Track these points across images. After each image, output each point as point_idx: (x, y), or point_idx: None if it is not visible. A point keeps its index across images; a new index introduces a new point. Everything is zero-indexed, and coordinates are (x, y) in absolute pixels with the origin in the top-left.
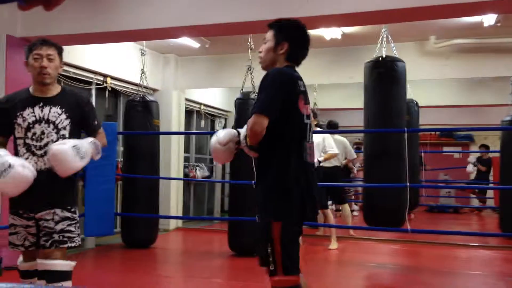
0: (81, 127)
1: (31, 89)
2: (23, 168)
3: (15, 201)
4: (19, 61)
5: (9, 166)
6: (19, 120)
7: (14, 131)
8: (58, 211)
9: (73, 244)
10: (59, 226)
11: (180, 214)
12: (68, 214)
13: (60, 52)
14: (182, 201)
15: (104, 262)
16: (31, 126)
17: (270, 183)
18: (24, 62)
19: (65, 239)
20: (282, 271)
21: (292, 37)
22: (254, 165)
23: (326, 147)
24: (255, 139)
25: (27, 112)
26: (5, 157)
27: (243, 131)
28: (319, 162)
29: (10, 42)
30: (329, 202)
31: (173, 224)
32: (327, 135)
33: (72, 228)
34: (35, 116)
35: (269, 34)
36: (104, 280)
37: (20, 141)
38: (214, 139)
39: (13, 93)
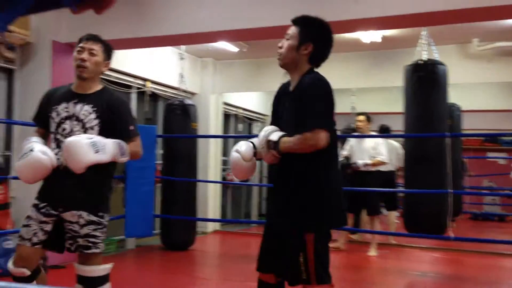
0: (112, 130)
1: (73, 84)
2: (42, 154)
3: (39, 194)
4: (65, 66)
5: (31, 150)
6: (53, 114)
7: (48, 124)
8: (84, 214)
9: (97, 250)
10: (84, 230)
11: (217, 217)
12: (94, 218)
13: (106, 49)
14: (220, 204)
15: (144, 263)
16: (62, 121)
17: (309, 192)
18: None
19: (90, 244)
20: (316, 280)
21: (318, 38)
22: (275, 172)
23: (378, 153)
24: (310, 151)
25: (61, 106)
26: (32, 143)
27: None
28: (364, 165)
29: (55, 48)
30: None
31: (211, 226)
32: (381, 141)
33: (97, 233)
34: (68, 111)
35: (293, 31)
36: (143, 280)
37: (52, 136)
38: (236, 156)
39: (58, 86)
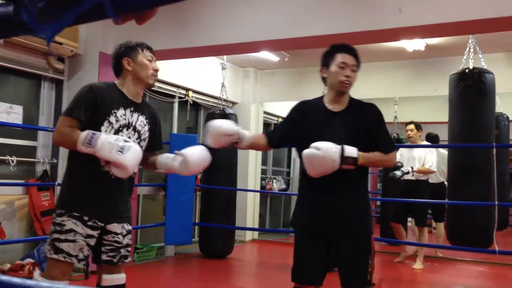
0: (149, 142)
1: (120, 87)
2: (135, 144)
3: (84, 206)
4: (111, 76)
5: (125, 141)
6: (112, 119)
7: (100, 126)
8: (126, 224)
9: (129, 260)
10: (125, 241)
11: (256, 226)
12: (130, 227)
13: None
14: (259, 213)
15: (182, 271)
16: (120, 129)
17: (363, 199)
18: (125, 60)
19: (127, 253)
20: (373, 281)
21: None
22: (332, 181)
23: (425, 161)
24: (384, 167)
25: (120, 112)
26: (117, 136)
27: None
28: (411, 173)
29: (102, 59)
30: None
31: (249, 235)
32: (431, 150)
33: (130, 242)
34: (126, 119)
35: (355, 62)
36: None
37: None
38: (317, 153)
39: (101, 83)
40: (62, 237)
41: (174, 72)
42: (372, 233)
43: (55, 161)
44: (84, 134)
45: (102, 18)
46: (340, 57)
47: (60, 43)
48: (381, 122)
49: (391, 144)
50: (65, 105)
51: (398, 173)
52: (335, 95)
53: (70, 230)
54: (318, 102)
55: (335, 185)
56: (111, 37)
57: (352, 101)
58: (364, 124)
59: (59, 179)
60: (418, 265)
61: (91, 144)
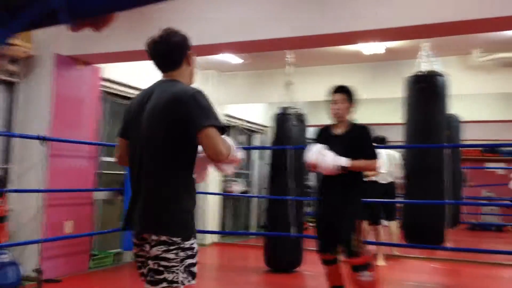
0: None
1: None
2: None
3: (194, 223)
4: (67, 78)
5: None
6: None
7: (190, 143)
8: None
9: None
10: None
11: (217, 229)
12: None
13: None
14: (219, 216)
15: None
16: None
17: (359, 196)
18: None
19: None
20: (363, 253)
21: (355, 100)
22: (331, 181)
23: None
24: (369, 170)
25: None
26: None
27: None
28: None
29: (58, 60)
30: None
31: (210, 239)
32: (381, 151)
33: None
34: None
35: (343, 97)
36: None
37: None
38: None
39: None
40: (195, 261)
41: (133, 75)
42: (359, 218)
43: (8, 166)
44: (230, 141)
45: (57, 24)
46: (332, 96)
47: (13, 44)
48: (368, 139)
49: (374, 153)
50: (19, 108)
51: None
52: (336, 122)
53: (197, 252)
54: (329, 127)
55: (338, 185)
56: (67, 38)
57: (351, 124)
58: (357, 141)
59: (11, 185)
60: (381, 262)
61: (237, 150)
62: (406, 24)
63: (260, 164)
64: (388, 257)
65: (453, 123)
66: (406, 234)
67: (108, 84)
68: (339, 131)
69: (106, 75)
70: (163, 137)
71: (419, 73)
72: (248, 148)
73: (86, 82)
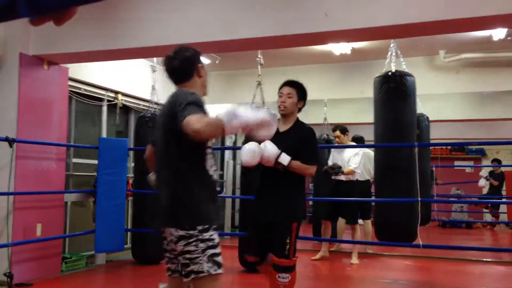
0: None
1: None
2: None
3: (215, 215)
4: (33, 78)
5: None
6: None
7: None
8: None
9: None
10: None
11: None
12: None
13: None
14: None
15: (114, 279)
16: None
17: (300, 197)
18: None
19: None
20: (293, 255)
21: (305, 98)
22: (269, 180)
23: (349, 163)
24: (306, 174)
25: None
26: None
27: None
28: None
29: (23, 60)
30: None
31: None
32: (358, 150)
33: None
34: None
35: (292, 91)
36: None
37: (209, 152)
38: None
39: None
40: (217, 251)
41: (102, 75)
42: (294, 220)
43: None
44: (223, 112)
45: (17, 17)
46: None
47: None
48: (310, 141)
49: (312, 158)
50: None
51: (330, 170)
52: (281, 118)
53: (219, 243)
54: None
55: (274, 185)
56: (32, 38)
57: (297, 123)
58: (298, 139)
59: None
60: (354, 260)
61: (237, 115)
62: (374, 25)
63: (233, 164)
64: (362, 255)
65: (423, 123)
66: (378, 232)
67: (76, 84)
68: (284, 127)
69: (74, 75)
70: (167, 139)
71: (388, 73)
72: (220, 149)
73: (54, 82)
